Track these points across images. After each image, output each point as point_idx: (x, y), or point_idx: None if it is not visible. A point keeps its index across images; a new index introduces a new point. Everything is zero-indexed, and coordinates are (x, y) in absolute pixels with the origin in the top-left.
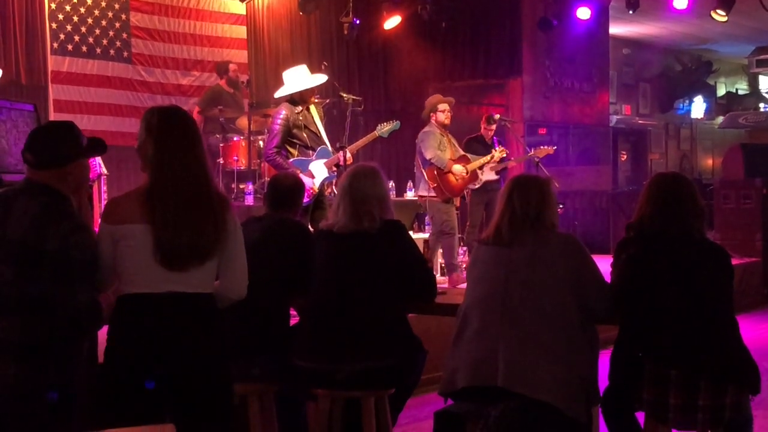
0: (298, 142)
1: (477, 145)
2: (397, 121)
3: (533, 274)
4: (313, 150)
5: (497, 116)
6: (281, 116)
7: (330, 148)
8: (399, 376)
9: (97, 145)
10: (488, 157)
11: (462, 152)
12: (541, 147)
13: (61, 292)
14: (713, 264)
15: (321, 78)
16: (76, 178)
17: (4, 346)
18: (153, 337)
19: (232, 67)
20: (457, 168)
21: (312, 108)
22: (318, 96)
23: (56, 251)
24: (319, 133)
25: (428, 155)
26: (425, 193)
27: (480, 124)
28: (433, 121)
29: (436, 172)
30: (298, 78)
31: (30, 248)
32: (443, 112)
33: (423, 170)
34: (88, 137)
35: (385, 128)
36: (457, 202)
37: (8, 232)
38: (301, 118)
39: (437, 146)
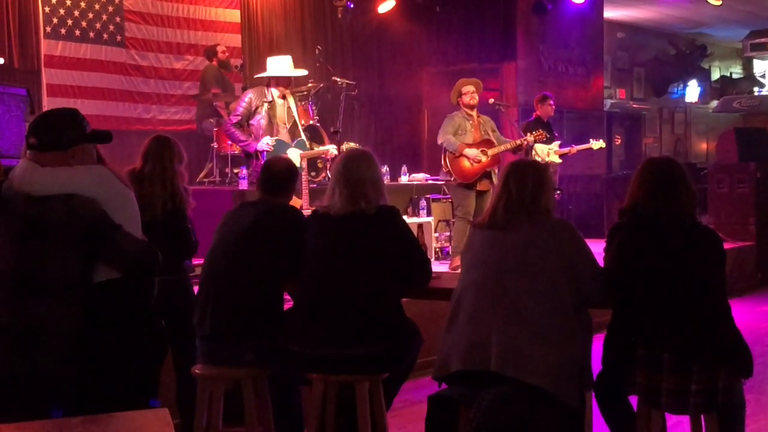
0: (254, 130)
1: (539, 127)
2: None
3: (527, 258)
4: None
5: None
6: (245, 99)
7: (307, 142)
8: (393, 361)
9: (102, 135)
10: (510, 145)
11: (492, 137)
12: (593, 140)
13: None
14: (705, 248)
15: (300, 71)
16: (78, 162)
17: None
18: None
19: (220, 48)
20: (471, 152)
21: (290, 99)
22: (311, 80)
23: (59, 220)
24: (296, 124)
25: (439, 140)
26: (445, 178)
27: (535, 107)
28: (460, 106)
29: (448, 157)
30: (278, 65)
31: (33, 221)
32: (467, 95)
33: (442, 154)
34: (95, 129)
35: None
36: (484, 186)
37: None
38: (267, 106)
39: (453, 131)
